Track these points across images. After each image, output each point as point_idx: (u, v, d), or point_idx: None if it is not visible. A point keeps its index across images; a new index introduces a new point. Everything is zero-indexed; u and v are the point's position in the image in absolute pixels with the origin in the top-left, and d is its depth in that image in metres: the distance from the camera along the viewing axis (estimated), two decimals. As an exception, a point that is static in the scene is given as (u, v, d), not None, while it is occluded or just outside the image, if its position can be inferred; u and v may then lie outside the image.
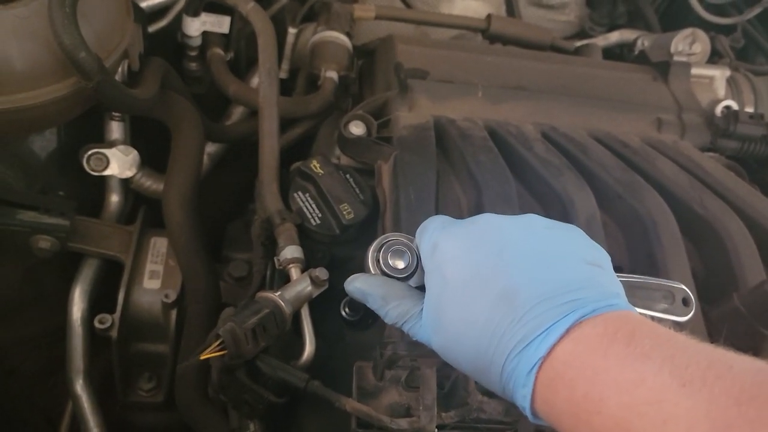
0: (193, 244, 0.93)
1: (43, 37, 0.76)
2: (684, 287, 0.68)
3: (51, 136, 1.04)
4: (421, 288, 0.64)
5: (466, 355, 0.55)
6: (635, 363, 0.46)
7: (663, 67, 1.17)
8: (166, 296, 0.95)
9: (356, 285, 0.65)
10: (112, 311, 0.96)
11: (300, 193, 0.91)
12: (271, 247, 0.88)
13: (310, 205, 0.91)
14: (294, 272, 0.83)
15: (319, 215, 0.90)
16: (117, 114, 0.99)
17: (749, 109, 1.18)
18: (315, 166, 0.91)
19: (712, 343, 0.82)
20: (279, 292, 0.76)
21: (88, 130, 1.04)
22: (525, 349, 0.50)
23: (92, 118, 1.03)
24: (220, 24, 1.09)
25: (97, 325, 0.93)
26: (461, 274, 0.55)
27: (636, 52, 1.29)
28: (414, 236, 0.67)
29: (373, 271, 0.65)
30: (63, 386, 0.99)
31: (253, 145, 0.96)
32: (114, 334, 0.94)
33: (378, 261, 0.65)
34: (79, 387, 0.95)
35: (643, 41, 1.31)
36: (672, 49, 1.22)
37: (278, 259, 0.84)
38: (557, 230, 0.59)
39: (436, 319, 0.57)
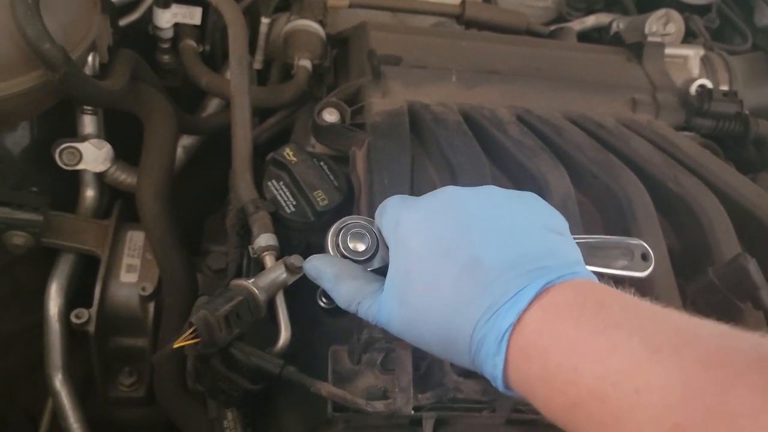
0: (168, 235, 0.93)
1: (7, 30, 0.75)
2: (642, 243, 0.69)
3: (23, 132, 1.03)
4: (380, 272, 0.63)
5: (433, 329, 0.54)
6: (606, 332, 0.46)
7: (637, 48, 1.17)
8: (143, 289, 0.95)
9: (311, 263, 0.65)
10: (90, 306, 0.95)
11: (274, 181, 0.91)
12: (246, 236, 0.88)
13: (284, 193, 0.90)
14: (268, 260, 0.82)
15: (294, 203, 0.90)
16: (89, 108, 0.99)
17: (724, 88, 1.19)
18: (288, 154, 0.91)
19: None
20: (252, 280, 0.76)
21: (60, 125, 1.03)
22: (493, 316, 0.50)
23: (65, 112, 1.03)
24: (192, 15, 1.08)
25: (73, 319, 0.93)
26: (425, 245, 0.55)
27: (611, 34, 1.30)
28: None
29: (332, 255, 0.65)
30: (43, 383, 0.99)
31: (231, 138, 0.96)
32: (91, 328, 0.93)
33: (337, 245, 0.65)
34: (59, 383, 0.95)
35: (618, 23, 1.31)
36: (646, 30, 1.22)
37: (252, 248, 0.84)
38: (517, 199, 0.59)
39: (400, 293, 0.56)
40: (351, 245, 0.65)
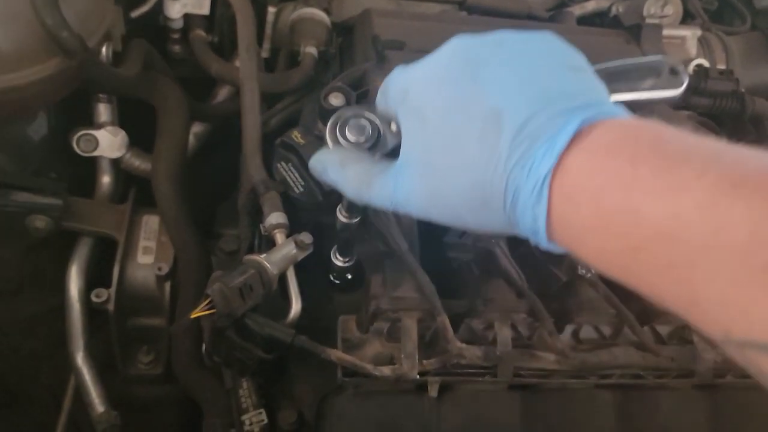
0: (182, 216, 0.97)
1: (26, 19, 0.79)
2: (668, 58, 0.60)
3: (42, 121, 1.07)
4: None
5: (460, 194, 0.49)
6: (672, 168, 0.39)
7: (635, 30, 1.19)
8: (159, 269, 0.99)
9: (315, 158, 0.61)
10: (109, 287, 0.99)
11: (283, 163, 0.94)
12: (257, 216, 0.92)
13: (293, 174, 0.94)
14: (279, 237, 0.86)
15: (302, 183, 0.93)
16: (104, 96, 1.02)
17: (721, 67, 1.21)
18: (296, 136, 0.94)
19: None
20: (264, 255, 0.80)
21: (77, 114, 1.07)
22: (528, 163, 0.44)
23: (81, 102, 1.06)
24: (201, 5, 1.12)
25: (94, 299, 0.97)
26: (440, 106, 0.50)
27: (610, 17, 1.32)
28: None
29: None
30: (65, 363, 1.03)
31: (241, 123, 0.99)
32: (111, 307, 0.97)
33: (337, 139, 0.61)
34: (80, 360, 0.99)
35: (618, 7, 1.33)
36: (644, 13, 1.24)
37: (264, 226, 0.88)
38: (532, 41, 0.52)
39: (420, 164, 0.51)
40: (351, 137, 0.61)
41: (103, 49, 0.97)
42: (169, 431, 1.11)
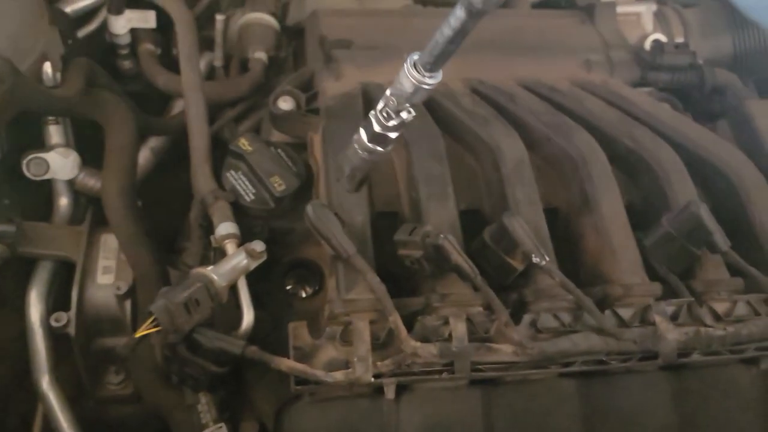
0: (136, 233, 0.95)
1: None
2: None
3: (-9, 147, 1.06)
4: None
5: None
6: None
7: (589, 10, 1.18)
8: (118, 288, 0.98)
9: None
10: (69, 311, 0.98)
11: (232, 171, 0.93)
12: (209, 227, 0.90)
13: (243, 182, 0.92)
14: (229, 247, 0.85)
15: (253, 191, 0.92)
16: (52, 118, 1.01)
17: (680, 40, 1.19)
18: (243, 143, 0.93)
19: (648, 271, 0.84)
20: (211, 267, 0.78)
21: (29, 138, 1.06)
22: None
23: (32, 125, 1.06)
24: (146, 19, 1.11)
25: (53, 323, 0.96)
26: None
27: (566, -1, 1.30)
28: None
29: None
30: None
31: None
32: (71, 331, 0.96)
33: None
34: (46, 386, 0.98)
35: (573, -13, 1.32)
36: (599, -9, 1.23)
37: (214, 237, 0.87)
38: None
39: None
40: None
41: (48, 70, 0.96)
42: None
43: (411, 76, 0.60)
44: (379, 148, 0.67)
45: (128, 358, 0.91)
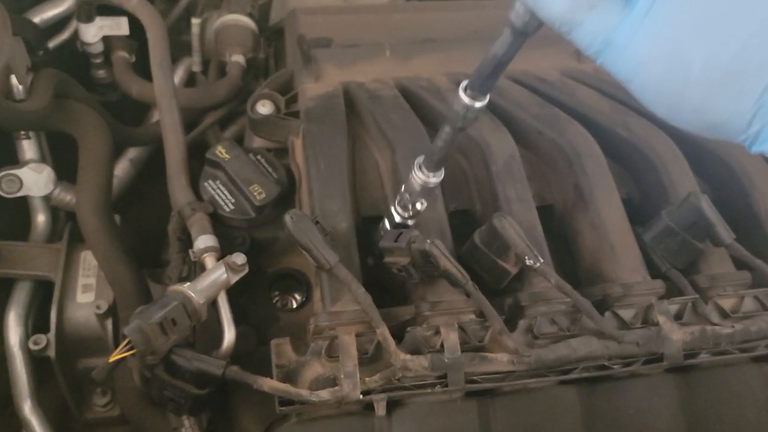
0: (113, 250, 0.91)
1: None
2: None
3: (-37, 166, 1.02)
4: None
5: (708, 56, 0.38)
6: None
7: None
8: (98, 307, 0.94)
9: None
10: (48, 333, 0.94)
11: (210, 181, 0.89)
12: (188, 240, 0.86)
13: (222, 192, 0.89)
14: (209, 261, 0.81)
15: (232, 201, 0.88)
16: (23, 132, 0.97)
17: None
18: (221, 152, 0.89)
19: (649, 268, 0.79)
20: (188, 284, 0.74)
21: (2, 154, 1.03)
22: None
23: (3, 140, 1.02)
24: (119, 26, 1.07)
25: (32, 346, 0.92)
26: None
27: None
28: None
29: None
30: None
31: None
32: (51, 354, 0.92)
33: None
34: (28, 411, 0.94)
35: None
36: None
37: (192, 251, 0.83)
38: None
39: (673, 3, 0.40)
40: None
41: (17, 84, 0.92)
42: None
43: (417, 177, 0.69)
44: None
45: (104, 382, 0.88)
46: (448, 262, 0.71)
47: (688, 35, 0.39)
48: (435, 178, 0.69)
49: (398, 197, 0.73)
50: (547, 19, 0.45)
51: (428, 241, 0.71)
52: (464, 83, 0.59)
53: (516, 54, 0.53)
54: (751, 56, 0.37)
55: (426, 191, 0.71)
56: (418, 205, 0.73)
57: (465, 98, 0.59)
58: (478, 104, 0.59)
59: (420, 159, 0.69)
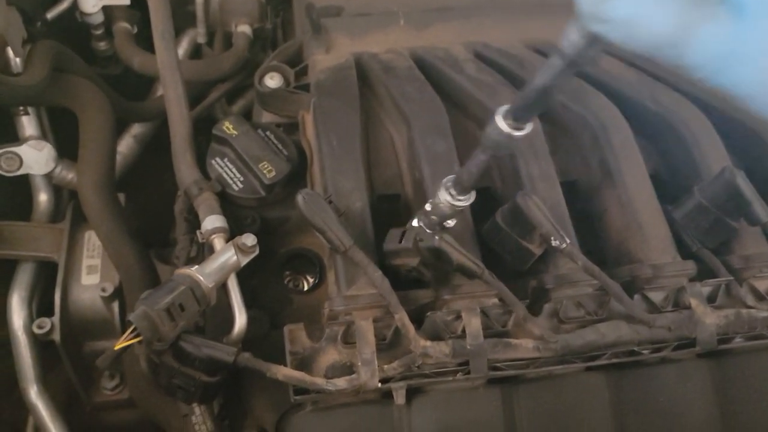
0: (117, 230, 0.88)
1: None
2: None
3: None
4: None
5: None
6: None
7: (602, -40, 1.07)
8: (103, 290, 0.91)
9: None
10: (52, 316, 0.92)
11: (218, 159, 0.85)
12: (196, 221, 0.83)
13: (230, 170, 0.85)
14: (217, 243, 0.77)
15: (241, 179, 0.84)
16: (21, 108, 0.93)
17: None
18: (228, 127, 0.85)
19: (680, 247, 0.75)
20: (196, 267, 0.71)
21: (1, 131, 0.99)
22: None
23: (3, 117, 0.98)
24: (119, -5, 1.02)
25: (36, 330, 0.89)
26: None
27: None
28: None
29: None
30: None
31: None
32: (56, 337, 0.89)
33: None
34: (34, 395, 0.92)
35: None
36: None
37: (200, 233, 0.79)
38: None
39: None
40: None
41: (14, 58, 0.88)
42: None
43: (445, 200, 0.64)
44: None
45: (129, 367, 0.85)
46: (461, 256, 0.67)
47: None
48: (464, 202, 0.64)
49: (423, 215, 0.67)
50: (648, 43, 0.38)
51: (436, 237, 0.66)
52: (503, 109, 0.53)
53: (565, 84, 0.47)
54: None
55: (455, 213, 0.65)
56: (447, 223, 0.68)
57: (504, 126, 0.52)
58: (517, 134, 0.53)
59: (449, 181, 0.64)
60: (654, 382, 0.71)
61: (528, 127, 0.53)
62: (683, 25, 0.37)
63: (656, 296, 0.73)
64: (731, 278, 0.73)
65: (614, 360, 0.70)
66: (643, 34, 0.38)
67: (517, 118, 0.52)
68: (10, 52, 0.85)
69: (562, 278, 0.72)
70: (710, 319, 0.71)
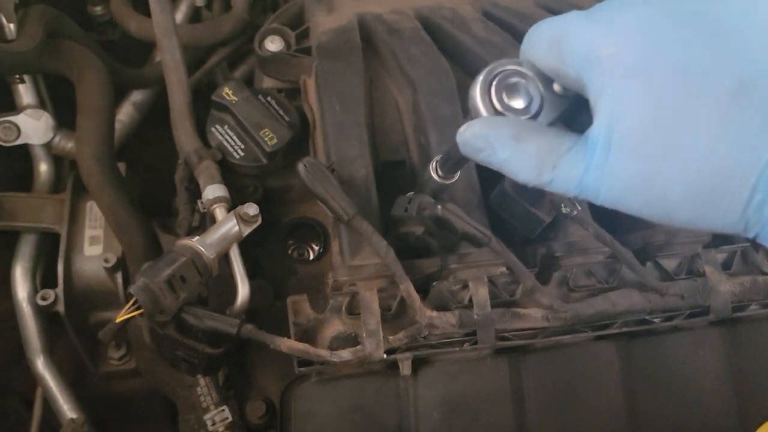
0: (118, 200, 0.86)
1: None
2: None
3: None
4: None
5: (682, 183, 0.40)
6: None
7: None
8: (106, 260, 0.90)
9: (474, 130, 0.47)
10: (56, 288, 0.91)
11: (218, 126, 0.83)
12: (196, 190, 0.81)
13: (231, 138, 0.82)
14: (219, 213, 0.75)
15: (242, 147, 0.82)
16: (17, 76, 0.91)
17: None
18: (227, 93, 0.83)
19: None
20: (197, 238, 0.69)
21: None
22: None
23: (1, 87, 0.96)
24: (113, -44, 0.98)
25: (40, 302, 0.89)
26: (668, 74, 0.40)
27: None
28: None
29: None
30: (36, 368, 0.96)
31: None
32: (60, 309, 0.89)
33: (491, 103, 0.47)
34: (41, 366, 0.92)
35: None
36: None
37: (201, 202, 0.77)
38: None
39: (635, 142, 0.41)
40: (508, 101, 0.47)
41: (8, 24, 0.85)
42: (155, 422, 1.05)
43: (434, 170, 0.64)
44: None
45: (134, 337, 0.84)
46: (466, 225, 0.65)
47: (657, 166, 0.40)
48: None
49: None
50: (518, 179, 0.46)
51: (439, 207, 0.64)
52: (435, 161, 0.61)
53: None
54: (727, 177, 0.39)
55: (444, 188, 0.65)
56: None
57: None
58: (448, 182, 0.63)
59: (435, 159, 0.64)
60: (665, 351, 0.70)
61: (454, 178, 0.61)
62: (540, 174, 0.44)
63: (669, 263, 0.71)
64: (747, 244, 0.71)
65: (625, 329, 0.69)
66: (517, 179, 0.46)
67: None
68: (2, 17, 0.82)
69: (573, 245, 0.70)
70: (725, 287, 0.69)
